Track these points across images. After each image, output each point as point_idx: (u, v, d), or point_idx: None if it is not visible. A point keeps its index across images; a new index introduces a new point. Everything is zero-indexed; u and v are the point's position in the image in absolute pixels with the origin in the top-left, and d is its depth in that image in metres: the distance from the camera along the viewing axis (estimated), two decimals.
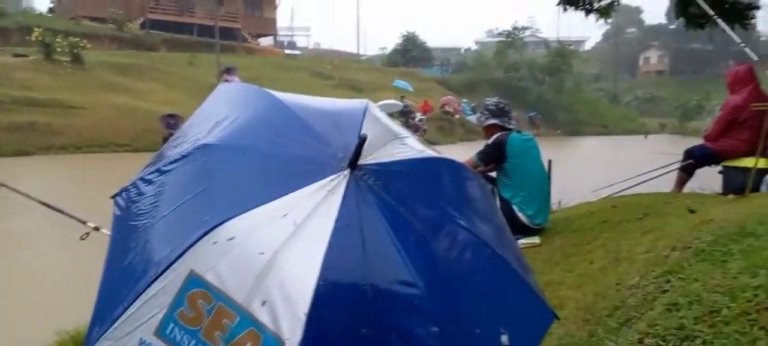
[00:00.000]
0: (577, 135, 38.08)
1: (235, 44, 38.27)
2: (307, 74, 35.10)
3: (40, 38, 23.93)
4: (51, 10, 40.87)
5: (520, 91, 41.94)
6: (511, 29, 44.43)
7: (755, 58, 5.43)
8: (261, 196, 1.40)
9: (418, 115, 29.10)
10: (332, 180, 1.44)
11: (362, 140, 1.47)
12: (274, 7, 44.45)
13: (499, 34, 47.60)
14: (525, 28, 45.52)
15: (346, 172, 1.46)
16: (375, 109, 1.74)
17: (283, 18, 65.67)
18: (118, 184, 1.64)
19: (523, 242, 4.25)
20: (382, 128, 1.68)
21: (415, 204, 1.53)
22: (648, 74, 71.26)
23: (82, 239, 2.92)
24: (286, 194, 1.40)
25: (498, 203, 4.32)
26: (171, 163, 1.56)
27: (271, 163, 1.52)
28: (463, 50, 69.96)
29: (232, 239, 1.33)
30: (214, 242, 1.32)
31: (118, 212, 1.57)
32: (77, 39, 24.99)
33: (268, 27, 44.99)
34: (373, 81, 37.10)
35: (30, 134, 18.65)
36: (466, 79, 43.24)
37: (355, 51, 58.34)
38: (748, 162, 5.10)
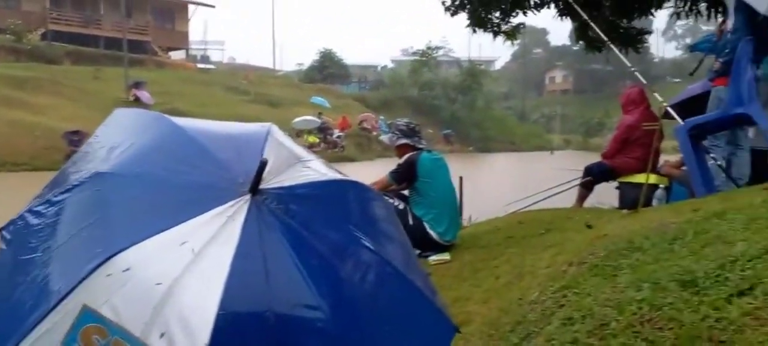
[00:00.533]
0: (488, 151, 39.48)
1: (144, 58, 36.82)
2: (221, 89, 34.34)
3: None
4: None
5: (434, 109, 42.98)
6: (425, 48, 45.59)
7: (644, 82, 5.88)
8: (157, 224, 1.35)
9: (336, 132, 29.19)
10: (232, 206, 1.41)
11: (263, 164, 1.46)
12: (187, 20, 43.25)
13: (414, 53, 48.69)
14: (438, 48, 46.87)
15: (247, 197, 1.43)
16: (278, 133, 1.73)
17: (195, 31, 64.12)
18: (12, 206, 1.54)
19: (434, 258, 4.36)
20: (286, 152, 1.67)
21: (319, 227, 1.52)
22: (553, 93, 75.21)
23: None
24: (184, 221, 1.36)
25: (411, 220, 4.43)
26: (62, 193, 1.48)
27: (167, 190, 1.47)
28: (380, 68, 70.87)
29: (127, 269, 1.27)
30: (109, 274, 1.27)
31: (4, 247, 1.48)
32: None
33: (180, 40, 43.67)
34: (290, 97, 36.86)
35: None
36: (383, 97, 43.86)
37: (271, 66, 57.77)
38: (640, 178, 5.49)
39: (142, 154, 1.54)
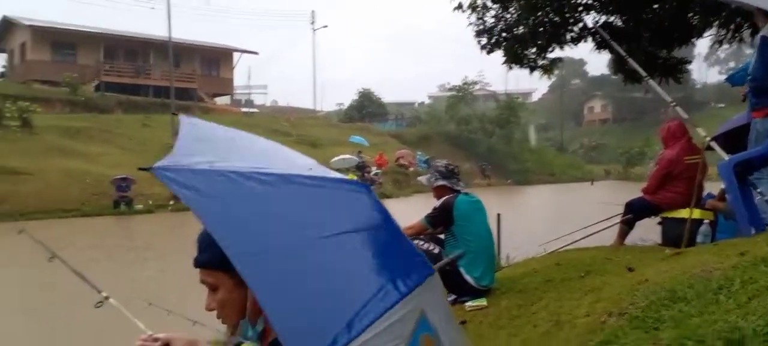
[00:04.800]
0: (527, 184, 38.93)
1: (191, 104, 38.06)
2: (264, 131, 34.92)
3: None
4: (2, 75, 40.00)
5: (471, 143, 42.82)
6: (461, 84, 45.70)
7: (685, 116, 5.72)
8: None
9: (374, 169, 29.36)
10: None
11: None
12: (231, 67, 44.62)
13: (451, 89, 48.84)
14: (475, 83, 46.88)
15: None
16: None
17: (240, 77, 65.74)
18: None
19: (470, 304, 4.30)
20: None
21: None
22: (592, 123, 74.02)
23: (97, 306, 2.93)
24: None
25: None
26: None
27: None
28: (416, 104, 71.34)
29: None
30: (433, 286, 1.47)
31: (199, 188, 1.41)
32: (27, 103, 24.50)
33: (225, 86, 45.03)
34: (329, 136, 37.34)
35: None
36: (420, 133, 43.98)
37: (312, 107, 58.78)
38: (683, 213, 5.33)
39: None
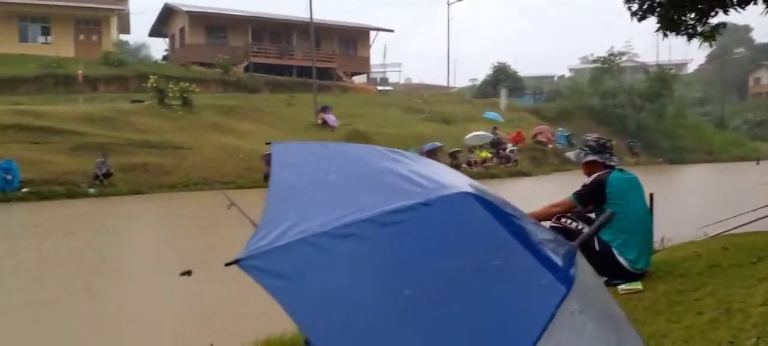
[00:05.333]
0: (681, 163, 35.96)
1: (330, 83, 39.69)
2: (398, 109, 35.68)
3: (154, 85, 25.92)
4: (165, 58, 44.32)
5: (617, 118, 40.33)
6: (607, 55, 42.96)
7: None
8: None
9: (510, 146, 28.71)
10: None
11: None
12: (368, 46, 45.75)
13: (594, 61, 46.15)
14: (622, 53, 43.81)
15: None
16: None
17: (376, 56, 67.21)
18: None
19: (623, 287, 4.09)
20: None
21: None
22: (759, 96, 66.20)
23: None
24: None
25: (597, 245, 4.18)
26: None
27: None
28: (556, 78, 68.38)
29: (580, 312, 1.46)
30: (571, 312, 1.43)
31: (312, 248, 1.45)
32: (187, 84, 26.78)
33: (362, 65, 46.31)
34: (463, 113, 37.07)
35: (143, 174, 20.16)
36: (560, 108, 42.14)
37: (445, 84, 58.65)
38: None
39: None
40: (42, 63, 30.61)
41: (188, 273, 3.55)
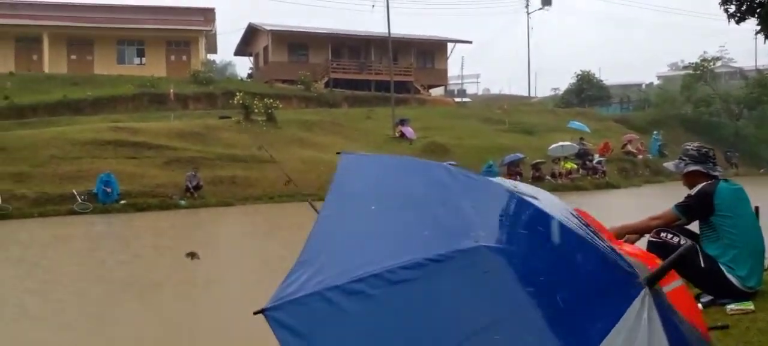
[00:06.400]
0: None
1: (408, 96, 39.88)
2: (477, 120, 35.25)
3: (240, 101, 26.99)
4: (249, 75, 46.14)
5: (712, 127, 38.04)
6: (699, 60, 40.60)
7: None
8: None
9: (597, 157, 27.66)
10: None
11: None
12: (445, 59, 45.63)
13: (686, 67, 43.76)
14: (716, 58, 41.28)
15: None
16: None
17: (453, 67, 66.70)
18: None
19: (733, 307, 3.74)
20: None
21: None
22: None
23: None
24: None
25: (702, 261, 3.86)
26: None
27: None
28: (644, 86, 65.38)
29: None
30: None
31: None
32: (271, 100, 27.71)
33: (440, 77, 46.24)
34: (545, 123, 36.09)
35: (231, 187, 20.95)
36: (650, 117, 40.17)
37: (525, 94, 57.49)
38: None
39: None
40: (137, 83, 32.60)
41: (194, 255, 3.65)
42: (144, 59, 39.53)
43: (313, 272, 1.54)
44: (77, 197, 18.33)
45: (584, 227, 1.82)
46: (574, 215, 1.91)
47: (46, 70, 35.42)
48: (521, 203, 1.79)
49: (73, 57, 37.82)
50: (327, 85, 39.28)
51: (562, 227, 1.68)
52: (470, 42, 46.46)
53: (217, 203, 19.56)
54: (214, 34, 42.87)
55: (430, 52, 44.95)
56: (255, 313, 1.50)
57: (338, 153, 2.13)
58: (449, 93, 51.10)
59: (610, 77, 59.94)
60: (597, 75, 52.37)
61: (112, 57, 38.51)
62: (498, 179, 2.14)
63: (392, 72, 33.94)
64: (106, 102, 30.68)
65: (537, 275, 1.56)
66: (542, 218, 1.72)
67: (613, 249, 1.77)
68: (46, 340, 6.41)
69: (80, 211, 17.80)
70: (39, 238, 13.76)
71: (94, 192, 18.63)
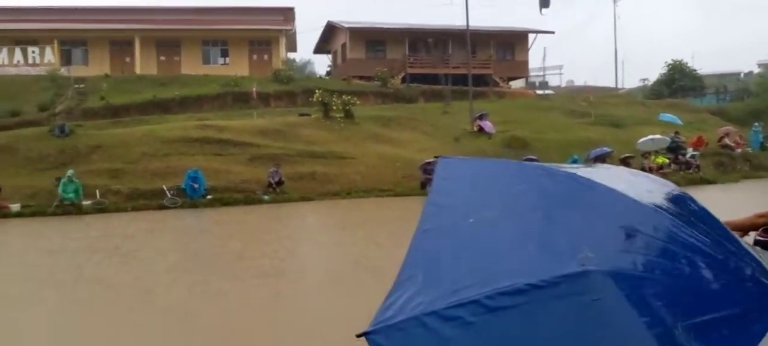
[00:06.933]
0: None
1: (486, 90, 39.13)
2: (560, 113, 34.05)
3: (319, 99, 27.41)
4: (328, 73, 46.88)
5: None
6: None
7: None
8: None
9: (690, 151, 26.03)
10: None
11: None
12: (526, 50, 44.45)
13: None
14: None
15: None
16: None
17: (535, 59, 64.66)
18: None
19: None
20: None
21: None
22: None
23: None
24: None
25: None
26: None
27: None
28: (742, 75, 61.06)
29: None
30: None
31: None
32: (349, 97, 27.95)
33: (520, 69, 45.13)
34: (634, 116, 34.35)
35: (311, 182, 21.28)
36: (749, 108, 37.37)
37: (611, 85, 55.05)
38: None
39: None
40: (222, 82, 33.79)
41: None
42: (228, 59, 41.04)
43: (412, 294, 1.53)
44: (167, 192, 19.16)
45: (707, 223, 1.64)
46: (690, 202, 1.83)
47: (138, 71, 37.49)
48: (634, 210, 1.55)
49: (162, 58, 39.81)
50: (403, 80, 39.20)
51: (684, 239, 1.43)
52: (552, 32, 45.07)
53: (299, 198, 19.96)
54: (294, 33, 43.81)
55: (510, 44, 43.91)
56: (358, 336, 1.56)
57: (436, 157, 2.12)
58: (530, 85, 49.77)
59: (704, 66, 56.51)
60: (690, 64, 49.46)
61: (197, 57, 40.23)
62: (606, 167, 1.94)
63: (470, 65, 33.36)
64: (193, 101, 32.00)
65: (655, 300, 1.36)
66: (660, 228, 1.48)
67: (741, 249, 1.50)
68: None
69: (170, 205, 18.61)
70: (136, 229, 14.51)
71: (182, 187, 19.42)
